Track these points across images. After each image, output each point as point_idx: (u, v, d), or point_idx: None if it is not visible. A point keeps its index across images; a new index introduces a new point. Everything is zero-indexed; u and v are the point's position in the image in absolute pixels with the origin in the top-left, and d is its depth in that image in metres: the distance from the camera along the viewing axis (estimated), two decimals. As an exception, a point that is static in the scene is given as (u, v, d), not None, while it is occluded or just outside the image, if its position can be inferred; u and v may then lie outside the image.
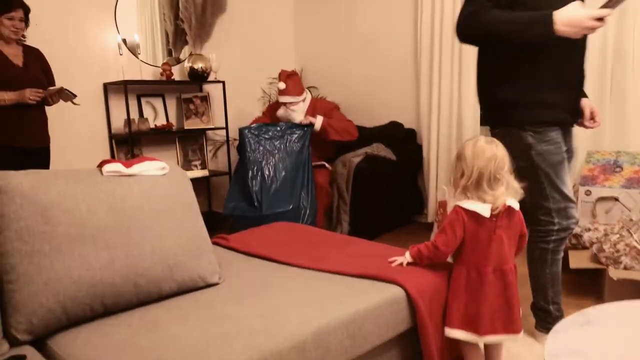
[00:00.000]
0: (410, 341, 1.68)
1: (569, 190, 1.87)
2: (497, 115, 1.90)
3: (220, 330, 1.30)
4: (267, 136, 3.36)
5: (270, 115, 3.77)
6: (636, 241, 2.40)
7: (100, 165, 1.59)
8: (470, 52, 3.42)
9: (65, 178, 1.46)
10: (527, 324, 1.99)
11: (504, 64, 1.82)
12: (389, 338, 1.53)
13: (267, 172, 3.25)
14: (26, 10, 2.67)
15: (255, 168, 3.25)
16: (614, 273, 2.31)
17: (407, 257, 1.73)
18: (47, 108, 2.83)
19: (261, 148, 3.32)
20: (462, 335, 1.61)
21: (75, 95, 2.76)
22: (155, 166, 1.67)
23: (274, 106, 3.78)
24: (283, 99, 3.58)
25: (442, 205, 3.44)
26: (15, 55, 2.67)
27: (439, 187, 3.67)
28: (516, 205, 1.62)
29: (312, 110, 3.64)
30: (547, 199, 1.84)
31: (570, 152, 1.95)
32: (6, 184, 1.36)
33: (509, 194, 1.59)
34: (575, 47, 1.77)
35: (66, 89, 2.69)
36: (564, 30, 1.59)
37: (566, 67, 1.81)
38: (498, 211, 1.58)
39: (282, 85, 3.55)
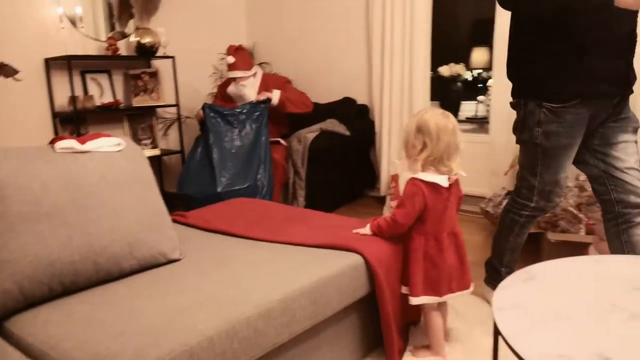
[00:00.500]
0: (369, 306, 1.76)
1: (564, 176, 1.87)
2: (520, 86, 1.88)
3: (184, 302, 1.31)
4: (226, 113, 3.33)
5: (222, 95, 3.72)
6: (572, 206, 2.59)
7: (53, 142, 1.54)
8: (422, 27, 3.50)
9: (17, 155, 1.41)
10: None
11: (539, 34, 1.74)
12: (349, 303, 1.60)
13: (224, 150, 3.23)
14: None
15: (214, 146, 3.21)
16: (552, 236, 2.49)
17: (367, 230, 1.80)
18: None
19: (221, 125, 3.29)
20: (426, 300, 1.71)
21: (17, 71, 2.61)
22: (110, 142, 1.63)
23: (225, 85, 3.73)
24: (232, 74, 3.54)
25: (394, 178, 3.55)
26: None
27: (390, 162, 3.78)
28: (464, 173, 1.71)
29: (264, 86, 3.63)
30: (535, 177, 1.88)
31: (629, 122, 1.83)
32: (-49, 163, 1.30)
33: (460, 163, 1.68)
34: (623, 14, 1.61)
35: (7, 64, 2.54)
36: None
37: (611, 35, 1.69)
38: (453, 181, 1.68)
39: (230, 59, 3.51)
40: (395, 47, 3.65)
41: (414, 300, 1.71)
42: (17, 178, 1.37)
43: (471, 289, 1.79)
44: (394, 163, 3.56)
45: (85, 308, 1.33)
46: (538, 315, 1.17)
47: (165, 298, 1.35)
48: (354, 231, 1.83)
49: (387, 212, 3.56)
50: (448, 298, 1.74)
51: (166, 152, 3.95)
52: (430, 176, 1.65)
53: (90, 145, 1.57)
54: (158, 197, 1.72)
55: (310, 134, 3.47)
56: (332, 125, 3.64)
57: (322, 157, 3.45)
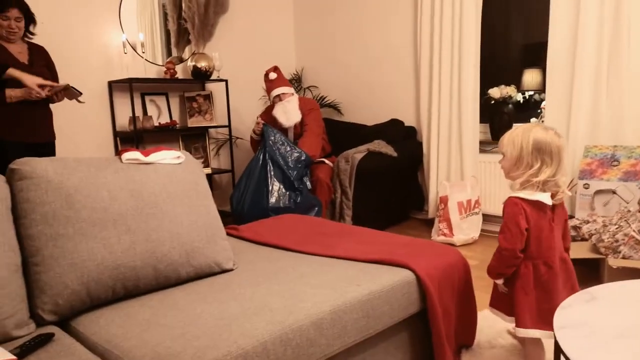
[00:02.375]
0: (421, 324, 1.73)
1: None
2: None
3: (239, 309, 1.34)
4: (280, 139, 3.41)
5: (266, 120, 3.81)
6: (634, 231, 2.47)
7: (120, 153, 1.64)
8: (471, 49, 3.49)
9: (88, 165, 1.51)
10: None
11: None
12: (400, 319, 1.58)
13: (276, 169, 3.30)
14: (22, 8, 2.66)
15: (270, 165, 3.30)
16: (613, 262, 2.38)
17: (497, 281, 1.67)
18: (52, 105, 2.86)
19: (276, 146, 3.37)
20: (539, 334, 1.55)
21: (80, 93, 2.79)
22: (172, 155, 1.71)
23: (267, 111, 3.80)
24: (277, 90, 3.60)
25: (444, 200, 3.50)
26: (20, 53, 2.70)
27: (439, 183, 3.74)
28: (568, 192, 1.59)
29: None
30: None
31: None
32: (32, 170, 1.40)
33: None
34: None
35: (72, 87, 2.73)
36: None
37: None
38: (559, 201, 1.56)
39: (273, 75, 3.59)
40: (444, 69, 3.65)
41: (521, 332, 1.56)
42: (87, 186, 1.46)
43: None
44: (442, 185, 3.52)
45: (145, 311, 1.38)
46: (600, 335, 1.13)
47: (221, 304, 1.39)
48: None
49: (435, 235, 3.50)
50: None
51: (217, 171, 4.07)
52: (533, 194, 1.53)
53: (153, 157, 1.66)
54: (214, 209, 1.78)
55: (358, 154, 3.50)
56: (380, 146, 3.66)
57: (369, 177, 3.46)
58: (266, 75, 3.63)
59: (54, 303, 1.35)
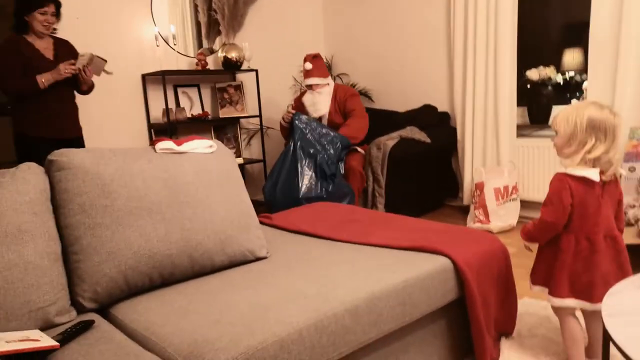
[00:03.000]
0: (459, 312, 1.69)
1: None
2: None
3: (275, 296, 1.34)
4: (312, 125, 3.39)
5: (297, 106, 3.79)
6: (686, 215, 2.34)
7: (153, 143, 1.65)
8: (507, 30, 3.37)
9: (123, 155, 1.52)
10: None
11: None
12: (437, 307, 1.54)
13: (306, 159, 3.28)
14: (57, 4, 2.71)
15: (301, 155, 3.28)
16: (663, 248, 2.26)
17: (526, 243, 1.69)
18: (82, 99, 2.88)
19: (307, 136, 3.35)
20: (573, 303, 1.57)
21: (105, 61, 2.79)
22: (204, 144, 1.72)
23: (300, 97, 3.79)
24: (310, 80, 3.60)
25: (479, 187, 3.41)
26: (46, 49, 2.74)
27: (474, 170, 3.64)
28: (624, 172, 1.59)
29: (333, 98, 3.66)
30: None
31: None
32: (69, 161, 1.43)
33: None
34: None
35: (96, 55, 2.73)
36: None
37: None
38: (610, 178, 1.55)
39: (308, 66, 3.57)
40: (479, 52, 3.54)
41: (556, 302, 1.58)
42: (122, 176, 1.48)
43: None
44: (478, 171, 3.43)
45: (181, 298, 1.39)
46: (656, 323, 1.06)
47: (255, 292, 1.38)
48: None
49: (470, 222, 3.42)
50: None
51: (249, 161, 4.09)
52: (579, 170, 1.52)
53: (186, 146, 1.66)
54: (246, 198, 1.78)
55: (390, 141, 3.44)
56: (412, 132, 3.59)
57: (402, 164, 3.40)
58: (304, 61, 3.62)
59: (93, 291, 1.38)
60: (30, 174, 1.38)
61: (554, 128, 1.61)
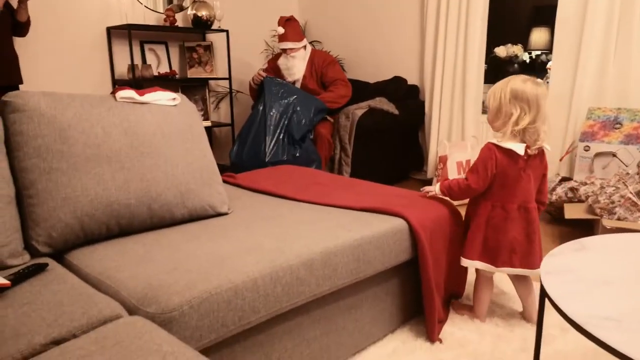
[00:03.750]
0: (412, 273, 1.75)
1: None
2: None
3: (232, 248, 1.36)
4: (284, 88, 3.36)
5: (272, 68, 3.76)
6: (631, 193, 2.47)
7: (114, 92, 1.61)
8: (478, 6, 3.40)
9: (81, 101, 1.49)
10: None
11: None
12: (391, 265, 1.60)
13: (275, 123, 3.27)
14: None
15: (270, 118, 3.26)
16: (608, 222, 2.39)
17: (436, 190, 1.79)
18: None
19: (277, 98, 3.32)
20: (479, 265, 1.71)
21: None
22: (167, 96, 1.69)
23: (274, 59, 3.77)
24: (283, 45, 3.57)
25: (443, 160, 3.49)
26: None
27: (439, 143, 3.72)
28: (549, 147, 1.66)
29: (310, 63, 3.65)
30: None
31: None
32: (24, 103, 1.39)
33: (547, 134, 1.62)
34: None
35: None
36: None
37: None
38: (536, 151, 1.62)
39: (280, 30, 3.54)
40: (450, 27, 3.57)
41: (465, 262, 1.71)
42: (80, 122, 1.45)
43: (536, 270, 1.67)
44: (443, 143, 3.50)
45: (139, 247, 1.39)
46: (586, 281, 1.14)
47: (214, 244, 1.40)
48: (422, 189, 1.85)
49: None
50: (506, 271, 1.69)
51: (217, 124, 4.05)
52: (507, 143, 1.61)
53: (148, 97, 1.64)
54: (209, 153, 1.77)
55: (358, 110, 3.46)
56: (381, 103, 3.62)
57: (369, 134, 3.44)
58: (278, 25, 3.57)
59: (47, 235, 1.36)
60: (-17, 113, 1.34)
61: (486, 104, 1.69)
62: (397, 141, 3.77)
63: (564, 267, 1.21)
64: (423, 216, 1.69)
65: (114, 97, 1.59)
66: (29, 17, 2.83)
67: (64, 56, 3.34)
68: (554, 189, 2.89)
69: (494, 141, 1.64)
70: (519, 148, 1.60)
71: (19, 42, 3.01)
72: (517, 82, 1.60)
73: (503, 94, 1.61)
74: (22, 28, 2.84)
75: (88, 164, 1.43)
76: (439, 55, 3.67)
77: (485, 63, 3.51)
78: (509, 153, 1.61)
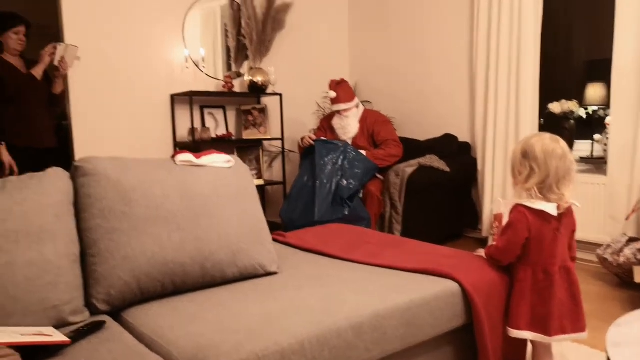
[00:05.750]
0: (466, 339, 1.67)
1: None
2: None
3: (281, 309, 1.36)
4: (331, 148, 3.45)
5: (324, 127, 3.87)
6: None
7: (173, 155, 1.72)
8: (530, 63, 3.39)
9: (144, 165, 1.59)
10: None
11: None
12: (443, 331, 1.54)
13: (324, 184, 3.32)
14: (27, 25, 3.02)
15: (319, 178, 3.33)
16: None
17: (482, 254, 1.77)
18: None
19: (326, 160, 3.40)
20: (530, 336, 1.61)
21: (77, 47, 3.09)
22: (222, 159, 1.78)
23: (328, 118, 3.88)
24: (336, 107, 3.68)
25: (498, 218, 3.37)
26: (22, 67, 3.04)
27: (494, 200, 3.62)
28: (578, 204, 1.61)
29: (363, 122, 3.72)
30: None
31: None
32: (94, 168, 1.50)
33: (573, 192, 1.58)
34: None
35: (65, 43, 3.06)
36: None
37: None
38: (564, 210, 1.58)
39: (332, 94, 3.66)
40: (501, 83, 3.56)
41: (514, 333, 1.61)
42: (142, 184, 1.55)
43: (586, 334, 1.61)
44: (497, 201, 3.40)
45: (191, 306, 1.43)
46: (662, 355, 1.05)
47: (262, 304, 1.41)
48: (475, 252, 1.82)
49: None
50: (560, 340, 1.59)
51: (269, 183, 4.16)
52: (537, 203, 1.57)
53: (205, 160, 1.73)
54: (260, 214, 1.82)
55: (408, 168, 3.46)
56: (432, 160, 3.60)
57: (420, 191, 3.41)
58: (329, 89, 3.71)
59: (107, 293, 1.42)
60: (56, 178, 1.46)
61: None
62: (449, 199, 3.70)
63: (635, 339, 1.12)
64: (478, 279, 1.63)
65: (174, 160, 1.69)
66: (63, 91, 3.18)
67: (133, 120, 3.61)
68: (621, 250, 2.71)
69: (523, 202, 1.58)
70: (551, 208, 1.54)
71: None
72: (530, 140, 1.59)
73: (516, 152, 1.61)
74: (57, 100, 3.17)
75: (147, 224, 1.50)
76: (490, 112, 3.65)
77: (541, 119, 3.45)
78: (541, 214, 1.56)
